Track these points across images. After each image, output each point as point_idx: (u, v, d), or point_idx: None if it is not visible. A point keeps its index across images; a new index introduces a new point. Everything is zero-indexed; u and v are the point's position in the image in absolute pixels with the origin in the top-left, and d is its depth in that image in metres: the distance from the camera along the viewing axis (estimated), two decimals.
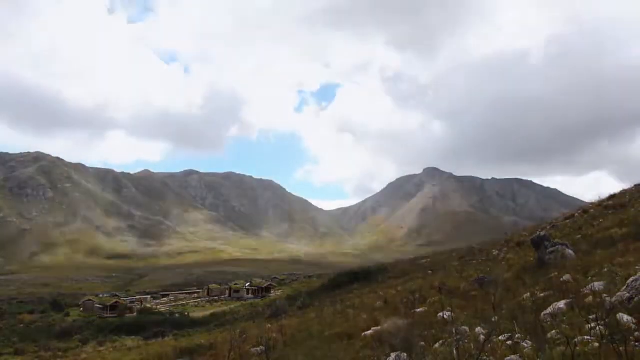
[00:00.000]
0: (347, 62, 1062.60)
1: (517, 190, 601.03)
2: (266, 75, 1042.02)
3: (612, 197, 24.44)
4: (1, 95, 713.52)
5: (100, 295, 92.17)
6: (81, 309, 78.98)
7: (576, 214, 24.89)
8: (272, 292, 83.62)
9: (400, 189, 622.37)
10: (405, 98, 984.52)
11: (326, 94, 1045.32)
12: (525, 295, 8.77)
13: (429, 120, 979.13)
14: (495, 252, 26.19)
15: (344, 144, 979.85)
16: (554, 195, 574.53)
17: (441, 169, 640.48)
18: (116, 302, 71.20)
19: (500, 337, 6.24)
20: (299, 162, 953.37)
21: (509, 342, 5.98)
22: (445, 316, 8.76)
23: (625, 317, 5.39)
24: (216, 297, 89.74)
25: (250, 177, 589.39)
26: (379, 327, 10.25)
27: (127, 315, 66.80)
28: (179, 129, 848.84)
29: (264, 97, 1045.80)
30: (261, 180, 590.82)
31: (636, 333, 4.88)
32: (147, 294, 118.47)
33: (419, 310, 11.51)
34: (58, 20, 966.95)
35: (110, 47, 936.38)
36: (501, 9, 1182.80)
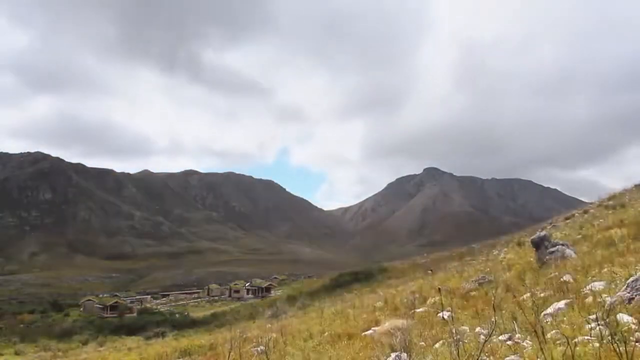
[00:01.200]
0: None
1: (517, 190, 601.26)
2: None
3: (612, 197, 24.50)
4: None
5: (100, 295, 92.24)
6: (81, 309, 78.99)
7: (576, 214, 24.94)
8: (272, 292, 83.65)
9: (400, 189, 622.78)
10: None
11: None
12: (525, 295, 8.76)
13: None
14: (495, 252, 26.20)
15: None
16: (554, 195, 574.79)
17: (441, 168, 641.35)
18: (116, 302, 71.24)
19: (500, 337, 6.23)
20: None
21: (509, 342, 5.98)
22: (445, 316, 8.75)
23: (625, 317, 5.38)
24: (216, 297, 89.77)
25: (250, 177, 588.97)
26: (379, 327, 10.25)
27: (127, 315, 66.81)
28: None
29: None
30: (261, 180, 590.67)
31: (636, 333, 4.88)
32: (147, 294, 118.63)
33: (419, 310, 11.51)
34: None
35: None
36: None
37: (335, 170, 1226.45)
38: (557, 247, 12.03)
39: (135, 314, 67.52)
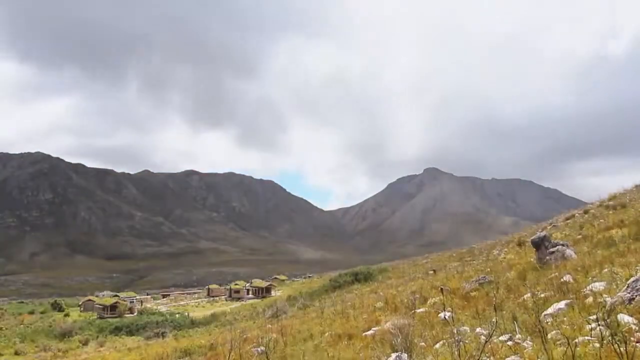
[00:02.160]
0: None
1: (517, 190, 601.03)
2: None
3: (612, 197, 24.49)
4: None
5: (100, 296, 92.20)
6: (81, 309, 78.99)
7: (576, 214, 24.91)
8: (272, 292, 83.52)
9: (401, 189, 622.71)
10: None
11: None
12: (525, 296, 8.77)
13: None
14: (495, 252, 26.20)
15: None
16: (554, 195, 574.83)
17: (441, 169, 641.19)
18: (116, 302, 71.13)
19: (500, 338, 6.24)
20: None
21: (509, 343, 5.98)
22: (445, 316, 8.75)
23: (625, 318, 5.39)
24: (216, 297, 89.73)
25: (251, 177, 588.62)
26: (379, 327, 10.25)
27: (127, 315, 66.77)
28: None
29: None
30: (261, 180, 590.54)
31: (637, 333, 4.88)
32: (147, 294, 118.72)
33: (419, 310, 11.51)
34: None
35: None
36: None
37: (333, 181, 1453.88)
38: (558, 247, 12.02)
39: (135, 314, 67.52)
